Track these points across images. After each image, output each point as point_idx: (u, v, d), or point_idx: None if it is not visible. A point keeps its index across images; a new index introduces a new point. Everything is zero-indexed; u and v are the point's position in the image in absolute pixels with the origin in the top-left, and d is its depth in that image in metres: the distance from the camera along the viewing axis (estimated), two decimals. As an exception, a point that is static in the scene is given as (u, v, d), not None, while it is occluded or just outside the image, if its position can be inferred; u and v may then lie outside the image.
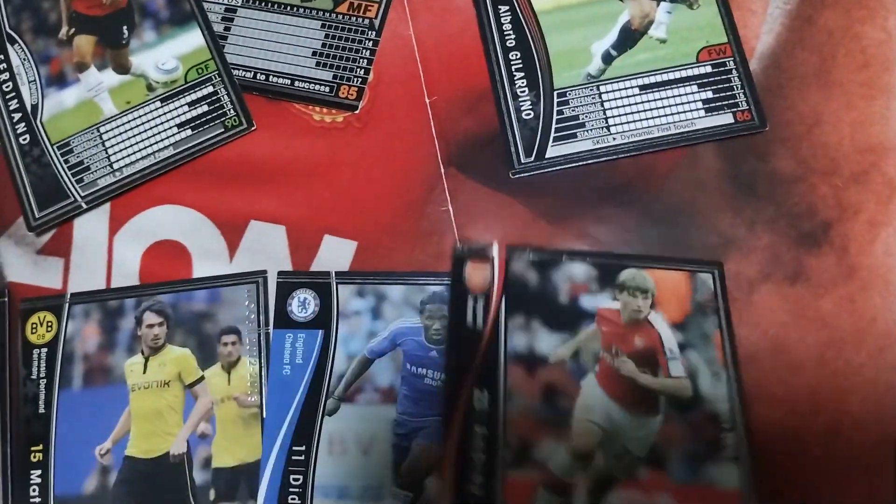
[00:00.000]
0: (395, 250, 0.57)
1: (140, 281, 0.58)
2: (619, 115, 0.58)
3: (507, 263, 0.55)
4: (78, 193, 0.59)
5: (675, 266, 0.54)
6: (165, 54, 0.62)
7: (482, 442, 0.50)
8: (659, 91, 0.58)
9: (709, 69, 0.59)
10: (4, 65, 0.62)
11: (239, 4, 0.63)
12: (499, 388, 0.52)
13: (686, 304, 0.53)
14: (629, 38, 0.60)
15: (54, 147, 0.60)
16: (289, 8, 0.63)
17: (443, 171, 0.59)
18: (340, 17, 0.62)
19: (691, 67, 0.59)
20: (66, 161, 0.60)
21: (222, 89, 0.61)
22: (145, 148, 0.60)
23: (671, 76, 0.59)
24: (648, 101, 0.58)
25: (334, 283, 0.56)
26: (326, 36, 0.62)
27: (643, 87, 0.59)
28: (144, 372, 0.55)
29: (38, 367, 0.56)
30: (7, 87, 0.61)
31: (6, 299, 0.57)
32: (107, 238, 0.59)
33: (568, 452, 0.50)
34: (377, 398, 0.53)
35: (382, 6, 0.63)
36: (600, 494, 0.50)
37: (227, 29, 0.63)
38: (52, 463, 0.54)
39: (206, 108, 0.61)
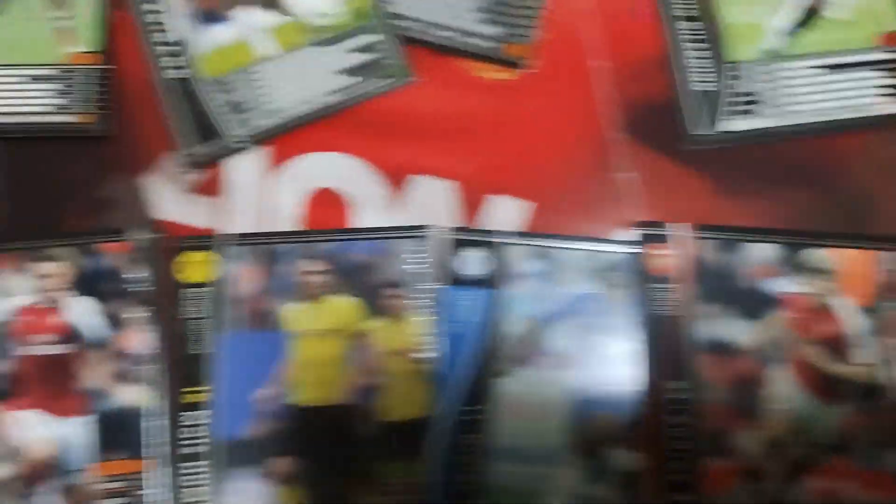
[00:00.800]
0: (570, 214, 0.56)
1: (297, 227, 0.56)
2: (799, 94, 0.57)
3: (694, 245, 0.53)
4: (232, 133, 0.57)
5: (862, 245, 0.53)
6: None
7: (682, 430, 0.50)
8: (840, 72, 0.57)
9: (892, 55, 0.58)
10: (152, -3, 0.59)
11: (403, -47, 0.61)
12: (693, 377, 0.51)
13: (872, 286, 0.52)
14: (810, 16, 0.59)
15: (209, 84, 0.58)
16: (455, -39, 0.61)
17: (615, 137, 0.57)
18: (508, -28, 0.61)
19: (873, 52, 0.58)
20: (221, 100, 0.57)
21: (383, 38, 0.59)
22: (303, 92, 0.58)
23: (852, 59, 0.58)
24: (830, 83, 0.57)
25: (507, 243, 0.54)
26: (494, -9, 0.60)
27: (824, 68, 0.58)
28: (306, 319, 0.53)
29: (197, 306, 0.53)
30: (156, 18, 0.59)
31: (158, 236, 0.55)
32: (261, 181, 0.57)
33: (761, 441, 0.49)
34: (552, 363, 0.52)
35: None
36: (791, 481, 0.49)
37: (388, -24, 0.61)
38: (210, 405, 0.52)
39: (365, 55, 0.59)
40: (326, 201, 0.57)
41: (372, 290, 0.54)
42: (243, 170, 0.58)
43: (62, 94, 0.57)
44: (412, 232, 0.55)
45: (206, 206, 0.57)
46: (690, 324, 0.52)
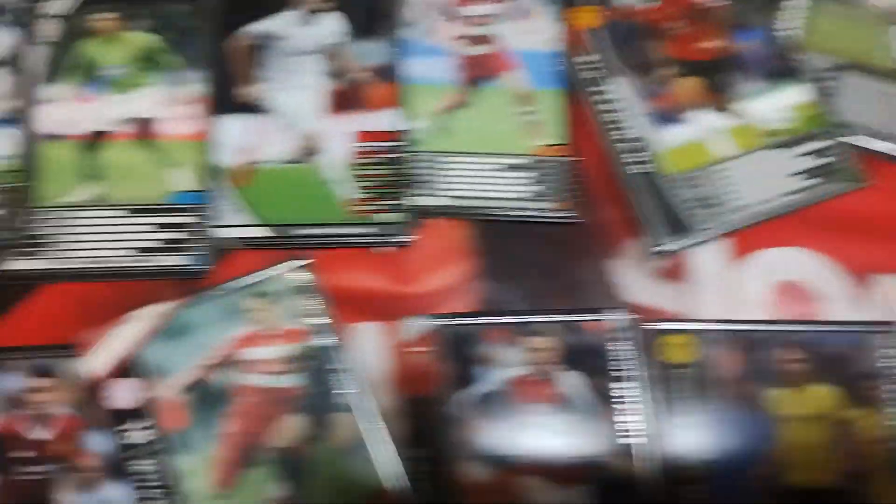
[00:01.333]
0: None
1: (765, 315, 0.59)
2: None
3: None
4: (700, 227, 0.61)
5: None
6: (775, 104, 0.64)
7: None
8: None
9: None
10: (617, 95, 0.65)
11: (841, 65, 0.66)
12: None
13: None
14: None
15: (671, 180, 0.62)
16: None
17: None
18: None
19: None
20: (687, 195, 0.62)
21: (834, 143, 0.63)
22: (761, 191, 0.62)
23: None
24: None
25: None
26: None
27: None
28: (789, 405, 0.56)
29: (681, 386, 0.57)
30: (613, 117, 0.65)
31: (633, 317, 0.59)
32: (726, 270, 0.61)
33: None
34: None
35: None
36: None
37: (830, 86, 0.65)
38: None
39: (819, 159, 0.63)
40: (792, 292, 0.60)
41: (850, 380, 0.56)
42: (708, 259, 0.61)
43: (536, 182, 0.63)
44: (882, 327, 0.57)
45: (672, 290, 0.61)
46: None
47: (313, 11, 0.66)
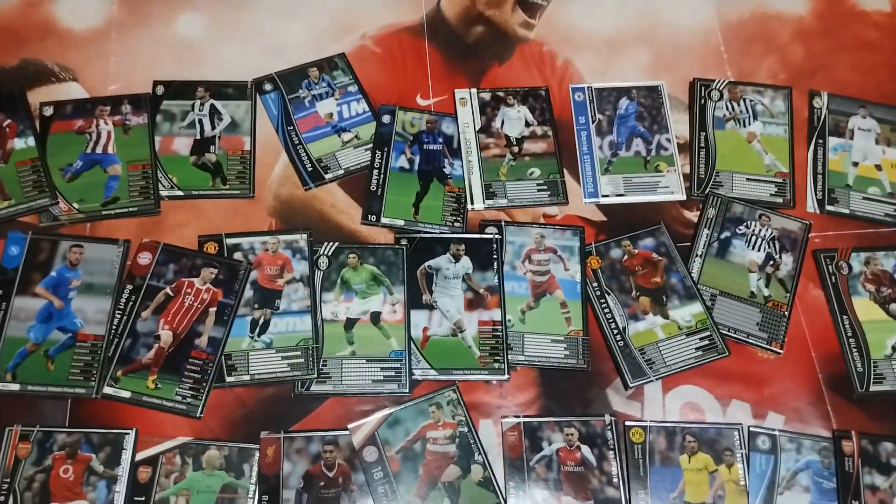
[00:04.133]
0: None
1: (677, 419, 1.23)
2: None
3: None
4: (647, 374, 1.25)
5: None
6: (685, 312, 1.29)
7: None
8: None
9: None
10: (609, 305, 1.30)
11: (717, 293, 1.32)
12: None
13: None
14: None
15: (635, 349, 1.26)
16: None
17: None
18: None
19: None
20: (641, 357, 1.26)
21: (711, 335, 1.28)
22: (677, 357, 1.26)
23: None
24: None
25: None
26: None
27: None
28: (688, 464, 1.19)
29: (637, 452, 1.19)
30: (609, 315, 1.29)
31: (617, 419, 1.21)
32: (660, 396, 1.25)
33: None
34: None
35: None
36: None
37: (712, 304, 1.31)
38: None
39: (703, 342, 1.27)
40: (690, 407, 1.24)
41: (717, 451, 1.20)
42: (651, 389, 1.25)
43: (569, 349, 1.26)
44: (734, 426, 1.21)
45: (635, 405, 1.24)
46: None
47: (456, 255, 1.30)
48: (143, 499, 1.05)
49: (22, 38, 1.40)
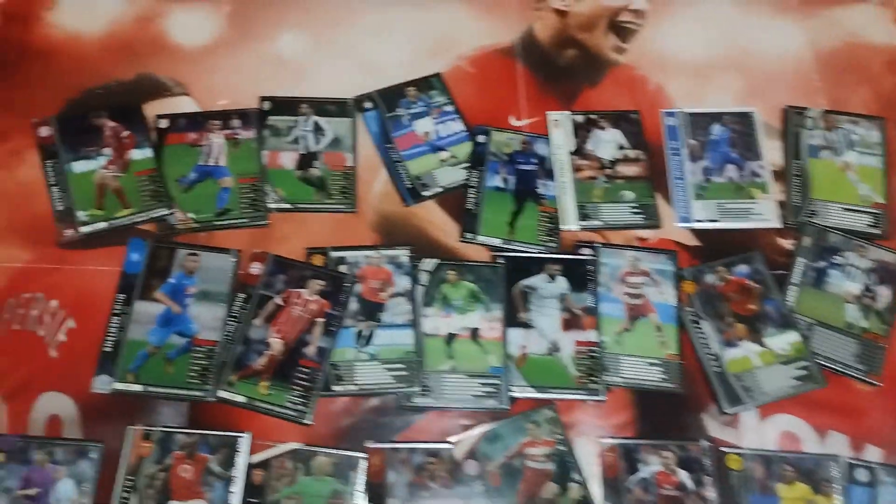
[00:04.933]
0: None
1: (774, 448, 1.23)
2: None
3: None
4: (744, 401, 1.25)
5: None
6: (782, 341, 1.29)
7: None
8: None
9: None
10: (703, 330, 1.30)
11: (813, 323, 1.32)
12: None
13: None
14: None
15: (731, 376, 1.27)
16: None
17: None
18: None
19: None
20: (738, 385, 1.26)
21: (810, 365, 1.28)
22: (774, 386, 1.26)
23: None
24: None
25: None
26: None
27: None
28: (785, 493, 1.19)
29: (734, 479, 1.20)
30: (704, 341, 1.30)
31: (714, 445, 1.22)
32: (757, 423, 1.25)
33: None
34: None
35: None
36: None
37: (808, 334, 1.31)
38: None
39: (801, 371, 1.27)
40: (787, 436, 1.24)
41: (815, 481, 1.20)
42: (748, 417, 1.25)
43: (665, 373, 1.27)
44: (831, 457, 1.21)
45: (732, 432, 1.25)
46: None
47: (552, 275, 1.32)
48: (257, 501, 1.09)
49: (137, 52, 1.46)
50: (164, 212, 1.28)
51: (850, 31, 1.60)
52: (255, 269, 1.25)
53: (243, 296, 1.22)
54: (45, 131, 1.34)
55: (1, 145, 1.35)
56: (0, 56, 1.45)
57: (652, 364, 1.27)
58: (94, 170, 1.30)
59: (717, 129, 1.49)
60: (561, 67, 1.56)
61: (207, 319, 1.20)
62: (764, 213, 1.41)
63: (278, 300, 1.23)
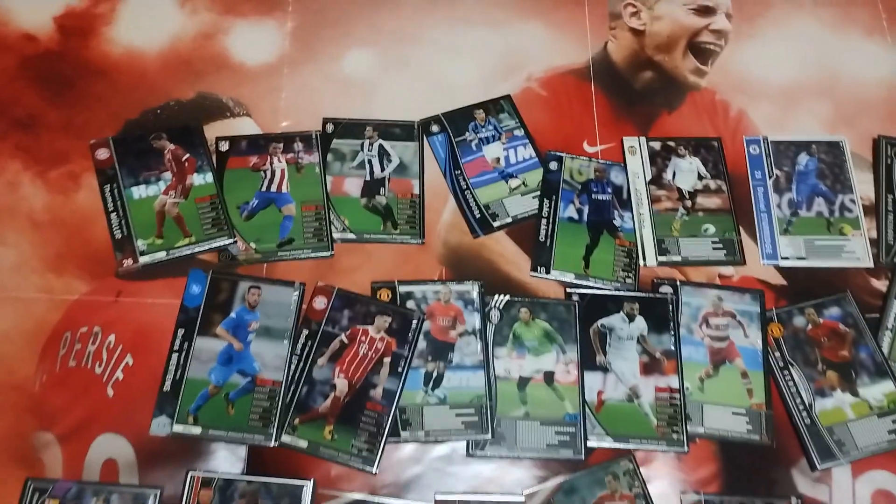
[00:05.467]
0: None
1: (873, 511, 1.14)
2: None
3: None
4: (837, 456, 1.16)
5: None
6: (876, 391, 1.20)
7: None
8: None
9: None
10: (793, 377, 1.22)
11: None
12: None
13: None
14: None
15: (823, 428, 1.18)
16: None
17: None
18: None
19: None
20: (830, 438, 1.17)
21: None
22: (869, 439, 1.17)
23: None
24: None
25: None
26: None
27: None
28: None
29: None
30: (794, 390, 1.21)
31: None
32: (846, 479, 1.16)
33: None
34: None
35: None
36: None
37: (907, 384, 1.22)
38: None
39: (900, 424, 1.19)
40: (885, 496, 1.15)
41: (918, 551, 1.11)
42: (838, 472, 1.17)
43: (750, 423, 1.19)
44: (935, 523, 1.12)
45: (823, 489, 1.16)
46: None
47: (630, 315, 1.24)
48: (321, 554, 1.03)
49: (197, 70, 1.41)
50: (226, 241, 1.23)
51: (947, 55, 1.50)
52: (320, 303, 1.19)
53: (306, 332, 1.16)
54: (102, 153, 1.29)
55: (58, 167, 1.31)
56: (56, 73, 1.40)
57: (737, 413, 1.19)
58: (154, 195, 1.25)
59: (804, 159, 1.40)
60: (637, 91, 1.48)
61: (270, 357, 1.14)
62: (855, 250, 1.32)
63: (343, 338, 1.17)
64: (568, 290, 1.27)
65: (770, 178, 1.38)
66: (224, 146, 1.32)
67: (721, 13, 1.53)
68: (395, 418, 1.13)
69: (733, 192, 1.37)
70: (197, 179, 1.27)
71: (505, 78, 1.47)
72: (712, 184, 1.38)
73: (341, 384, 1.13)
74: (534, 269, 1.28)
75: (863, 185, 1.38)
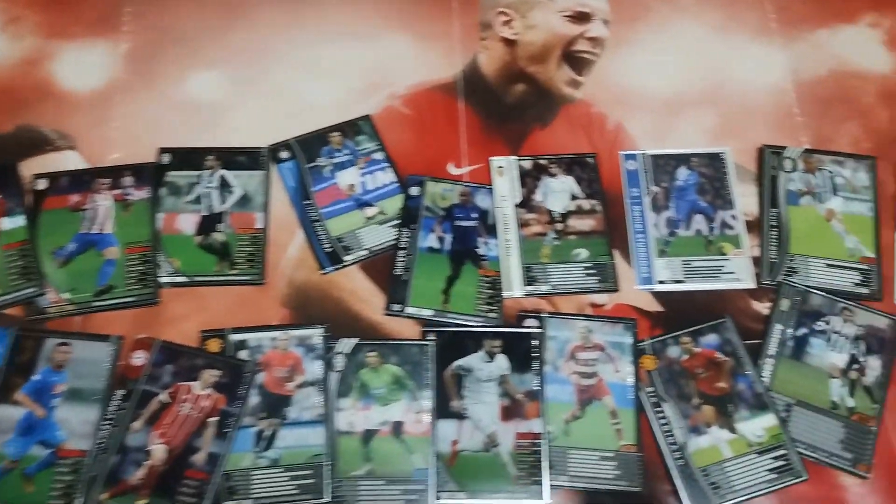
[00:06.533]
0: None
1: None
2: None
3: None
4: (711, 499, 1.07)
5: None
6: (755, 426, 1.11)
7: None
8: None
9: None
10: (666, 414, 1.12)
11: (793, 403, 1.13)
12: None
13: None
14: None
15: (696, 469, 1.09)
16: (823, 410, 1.13)
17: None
18: None
19: None
20: (704, 480, 1.08)
21: (789, 453, 1.10)
22: (747, 480, 1.08)
23: None
24: None
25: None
26: None
27: None
28: None
29: None
30: (666, 427, 1.12)
31: None
32: (728, 530, 1.07)
33: None
34: None
35: None
36: None
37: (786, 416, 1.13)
38: None
39: (777, 462, 1.09)
40: (765, 546, 1.06)
41: None
42: None
43: (618, 468, 1.09)
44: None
45: (698, 541, 1.07)
46: None
47: (491, 353, 1.14)
48: None
49: (19, 99, 1.28)
50: (33, 292, 1.10)
51: (836, 57, 1.42)
52: (138, 359, 1.07)
53: (122, 393, 1.04)
54: None
55: None
56: None
57: (605, 458, 1.09)
58: (-46, 243, 1.13)
59: (683, 174, 1.31)
60: (509, 105, 1.38)
61: (77, 424, 1.02)
62: (736, 271, 1.23)
63: (163, 397, 1.05)
64: (424, 328, 1.16)
65: (647, 195, 1.29)
66: (41, 184, 1.19)
67: (598, 19, 1.43)
68: (219, 487, 1.01)
69: (608, 211, 1.27)
70: (6, 224, 1.14)
71: (367, 96, 1.36)
72: (586, 204, 1.28)
73: (158, 451, 1.02)
74: (388, 306, 1.17)
75: (746, 199, 1.29)
